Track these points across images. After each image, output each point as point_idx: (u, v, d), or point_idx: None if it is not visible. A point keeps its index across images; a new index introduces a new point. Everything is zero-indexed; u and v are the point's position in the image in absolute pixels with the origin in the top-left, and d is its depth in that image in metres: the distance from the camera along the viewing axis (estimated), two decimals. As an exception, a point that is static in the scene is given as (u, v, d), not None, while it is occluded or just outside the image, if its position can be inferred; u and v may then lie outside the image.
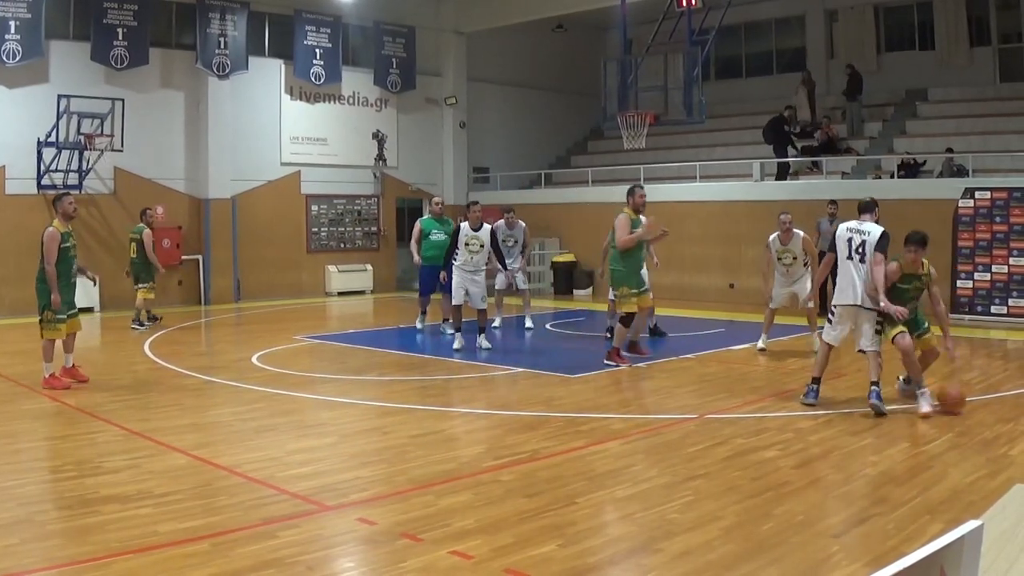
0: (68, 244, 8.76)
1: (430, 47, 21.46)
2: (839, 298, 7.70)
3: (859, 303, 7.52)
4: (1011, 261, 13.61)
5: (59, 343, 8.84)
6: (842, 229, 7.79)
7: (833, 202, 14.42)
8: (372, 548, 4.52)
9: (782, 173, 17.30)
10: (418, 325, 13.16)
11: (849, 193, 15.70)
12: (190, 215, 17.69)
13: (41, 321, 8.76)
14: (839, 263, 7.70)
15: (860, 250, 7.54)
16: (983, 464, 5.84)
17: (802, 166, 17.62)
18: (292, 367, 10.07)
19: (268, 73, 18.75)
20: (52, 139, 15.34)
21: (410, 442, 6.70)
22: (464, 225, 11.11)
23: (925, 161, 15.93)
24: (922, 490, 5.29)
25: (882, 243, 7.46)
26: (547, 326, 13.81)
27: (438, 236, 12.39)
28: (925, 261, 7.56)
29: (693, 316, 14.73)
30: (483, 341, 11.05)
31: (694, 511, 5.00)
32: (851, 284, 7.56)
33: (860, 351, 7.66)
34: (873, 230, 7.54)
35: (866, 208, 7.83)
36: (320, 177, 19.53)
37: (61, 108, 15.17)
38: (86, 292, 14.60)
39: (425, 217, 13.50)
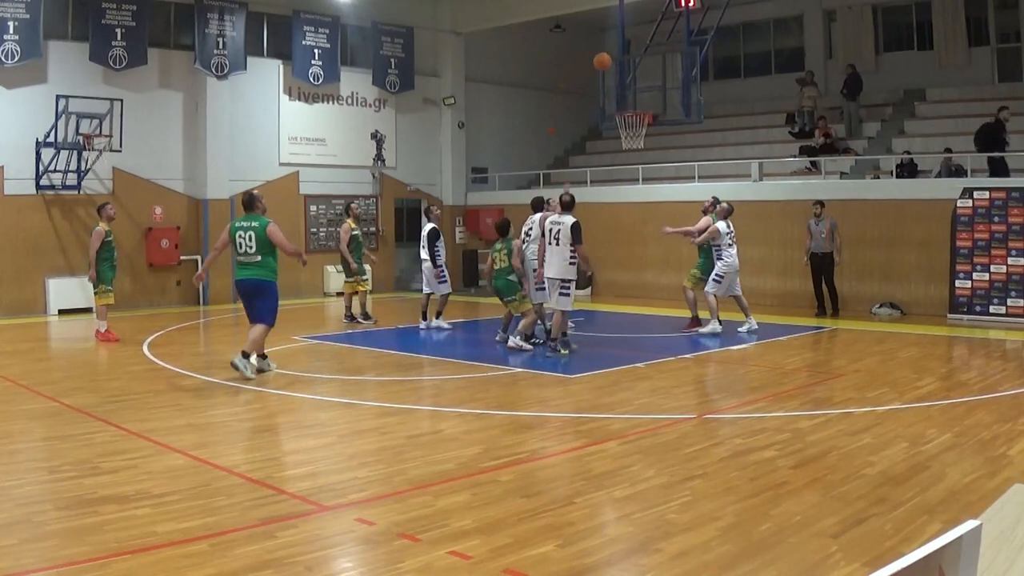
0: (110, 239, 12.28)
1: (428, 47, 21.47)
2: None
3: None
4: (1009, 261, 13.61)
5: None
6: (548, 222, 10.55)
7: (819, 203, 14.50)
8: (370, 548, 4.52)
9: (998, 171, 15.07)
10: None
11: (847, 193, 15.73)
12: (188, 215, 17.68)
13: (96, 293, 12.35)
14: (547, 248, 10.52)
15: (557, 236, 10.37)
16: (981, 464, 5.85)
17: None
18: (290, 367, 10.06)
19: (266, 73, 18.75)
20: (51, 139, 15.31)
21: (408, 442, 6.69)
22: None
23: (917, 165, 15.87)
24: (920, 490, 5.29)
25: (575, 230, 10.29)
26: (546, 324, 13.74)
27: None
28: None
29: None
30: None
31: (692, 511, 5.00)
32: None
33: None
34: (566, 220, 10.40)
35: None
36: (318, 177, 19.53)
37: (59, 108, 15.14)
38: (84, 294, 14.64)
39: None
